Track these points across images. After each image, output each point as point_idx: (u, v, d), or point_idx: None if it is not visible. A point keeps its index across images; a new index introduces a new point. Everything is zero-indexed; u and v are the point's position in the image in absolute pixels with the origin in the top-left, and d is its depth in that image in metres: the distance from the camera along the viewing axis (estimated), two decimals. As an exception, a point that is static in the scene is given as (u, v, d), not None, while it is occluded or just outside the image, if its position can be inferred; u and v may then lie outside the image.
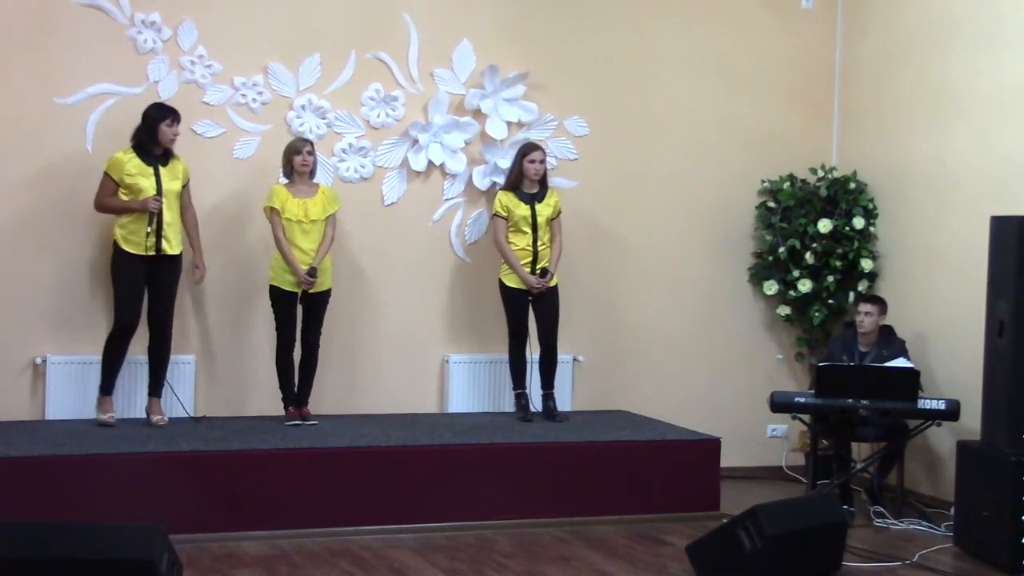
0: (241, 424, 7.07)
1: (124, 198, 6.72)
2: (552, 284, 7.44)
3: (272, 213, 7.00)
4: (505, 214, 7.40)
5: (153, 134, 6.72)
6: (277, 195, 7.01)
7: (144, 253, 6.72)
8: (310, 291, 7.04)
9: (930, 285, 7.68)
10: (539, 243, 7.39)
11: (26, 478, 6.01)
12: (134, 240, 6.72)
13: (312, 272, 6.97)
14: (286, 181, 7.10)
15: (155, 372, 6.94)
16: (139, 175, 6.69)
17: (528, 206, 7.39)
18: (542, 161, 7.41)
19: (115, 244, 6.77)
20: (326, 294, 7.14)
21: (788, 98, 8.44)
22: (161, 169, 6.74)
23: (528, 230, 7.38)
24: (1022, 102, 7.03)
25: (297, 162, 7.01)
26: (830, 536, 5.86)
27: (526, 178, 7.41)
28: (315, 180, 7.18)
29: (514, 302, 7.44)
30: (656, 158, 8.19)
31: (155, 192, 6.69)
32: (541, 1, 7.93)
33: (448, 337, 7.81)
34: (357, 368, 7.60)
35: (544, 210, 7.41)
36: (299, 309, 7.11)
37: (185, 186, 6.88)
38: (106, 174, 6.72)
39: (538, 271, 7.37)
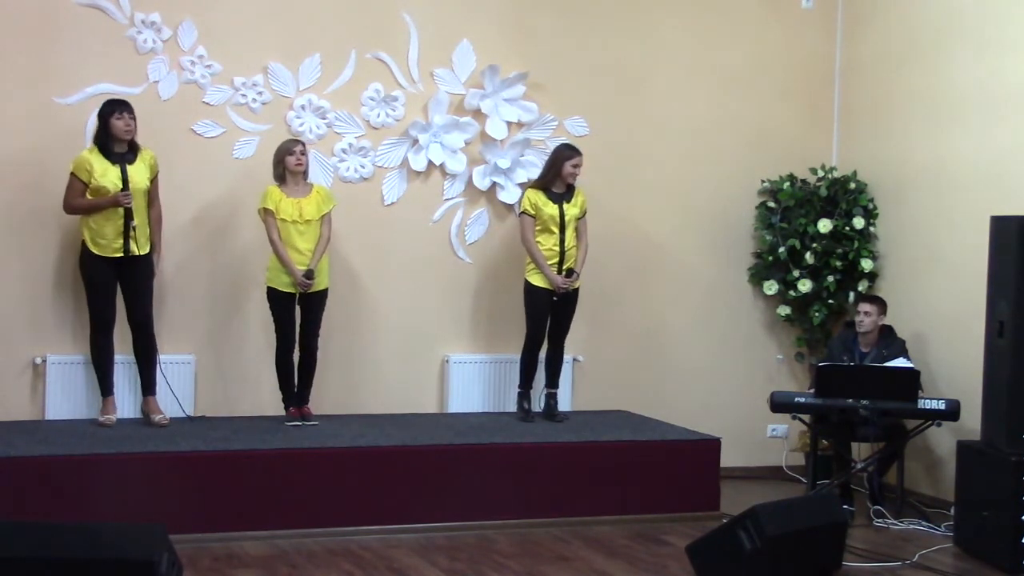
0: (241, 424, 7.07)
1: (90, 198, 6.69)
2: (576, 285, 7.44)
3: (266, 215, 6.98)
4: (533, 212, 7.37)
5: (106, 128, 6.69)
6: (271, 196, 6.99)
7: (111, 255, 6.71)
8: (307, 291, 7.04)
9: (930, 285, 7.68)
10: (566, 243, 7.38)
11: (26, 478, 6.01)
12: (101, 242, 6.70)
13: (309, 274, 6.97)
14: (274, 183, 7.08)
15: (145, 371, 6.93)
16: (104, 174, 6.64)
17: (556, 205, 7.38)
18: (580, 166, 7.42)
19: (82, 244, 6.75)
20: (323, 293, 7.13)
21: (788, 98, 8.44)
22: (128, 167, 6.71)
23: (555, 229, 7.36)
24: (1022, 102, 7.03)
25: (291, 162, 6.99)
26: (830, 536, 5.85)
27: (563, 180, 7.40)
28: (308, 179, 7.16)
29: (538, 302, 7.40)
30: (656, 158, 8.19)
31: (122, 188, 6.64)
32: (541, 1, 7.93)
33: (448, 337, 7.81)
34: (357, 368, 7.60)
35: (571, 210, 7.40)
36: (297, 309, 7.11)
37: (153, 180, 6.85)
38: (73, 174, 6.67)
39: (564, 271, 7.36)
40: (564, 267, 7.36)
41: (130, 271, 6.79)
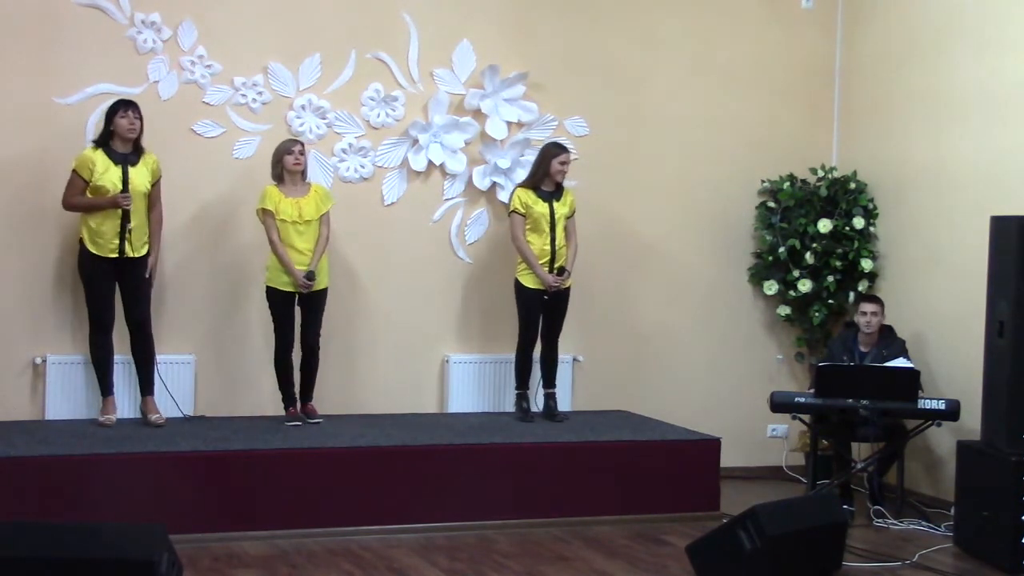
0: (241, 424, 7.07)
1: (90, 197, 6.69)
2: (567, 285, 7.44)
3: (265, 215, 6.98)
4: (524, 211, 7.38)
5: (110, 126, 6.70)
6: (270, 196, 6.99)
7: (108, 255, 6.71)
8: (308, 292, 7.04)
9: (930, 285, 7.68)
10: (556, 242, 7.38)
11: (26, 478, 6.01)
12: (99, 241, 6.71)
13: (310, 275, 6.97)
14: (272, 183, 7.09)
15: (143, 371, 6.93)
16: (105, 173, 6.65)
17: (547, 204, 7.38)
18: (568, 163, 7.42)
19: (80, 244, 6.76)
20: (323, 293, 7.13)
21: (788, 98, 8.44)
22: (130, 168, 6.72)
23: (546, 228, 7.36)
24: (1022, 102, 7.03)
25: (289, 162, 6.99)
26: (830, 536, 5.85)
27: (551, 178, 7.40)
28: (307, 179, 7.17)
29: (529, 301, 7.40)
30: (656, 158, 8.19)
31: (122, 190, 6.66)
32: (541, 1, 7.93)
33: (448, 337, 7.81)
34: (357, 368, 7.60)
35: (561, 208, 7.40)
36: (297, 309, 7.11)
37: (155, 184, 6.85)
38: (75, 172, 6.69)
39: (555, 270, 7.36)
40: (556, 266, 7.36)
41: (128, 271, 6.79)
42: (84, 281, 6.82)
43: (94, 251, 6.71)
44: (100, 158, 6.69)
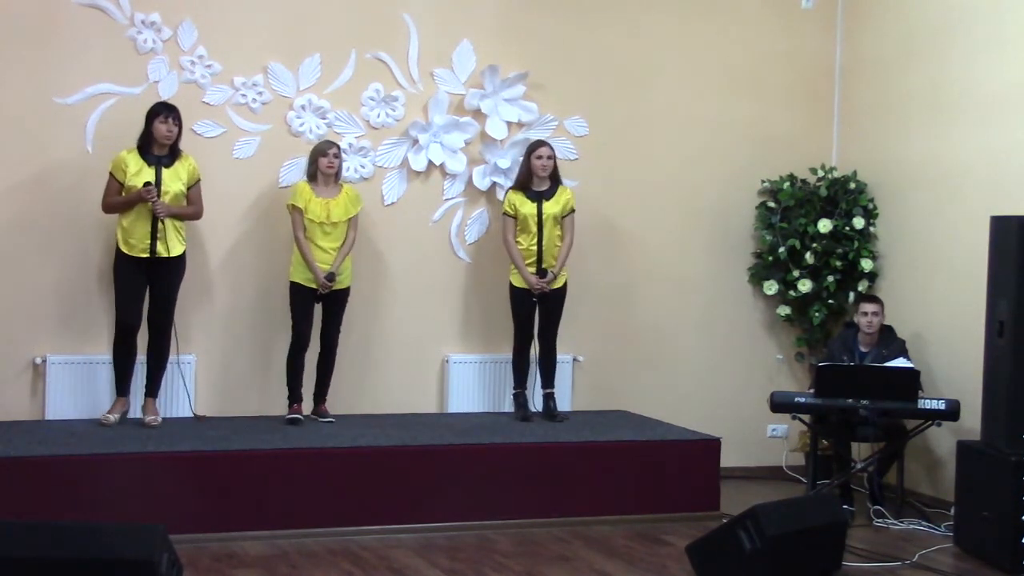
0: (241, 424, 7.07)
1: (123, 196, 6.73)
2: (558, 284, 7.44)
3: (294, 211, 7.04)
4: (513, 213, 7.39)
5: (148, 129, 6.72)
6: (301, 194, 7.04)
7: (139, 255, 6.72)
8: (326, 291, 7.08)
9: (930, 285, 7.68)
10: (544, 242, 7.38)
11: (26, 478, 6.01)
12: (131, 242, 6.72)
13: (330, 277, 7.00)
14: (305, 179, 7.15)
15: (151, 373, 6.94)
16: (137, 174, 6.68)
17: (534, 204, 7.38)
18: (550, 157, 7.41)
19: (116, 245, 6.78)
20: (345, 292, 7.18)
21: (788, 98, 8.44)
22: (164, 171, 6.74)
23: (534, 229, 7.37)
24: (1022, 102, 7.03)
25: (323, 164, 7.06)
26: (830, 536, 5.85)
27: (535, 175, 7.40)
28: (340, 181, 7.22)
29: (519, 302, 7.43)
30: (656, 158, 8.19)
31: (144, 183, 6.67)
32: (541, 1, 7.93)
33: (448, 337, 7.81)
34: (357, 368, 7.59)
35: (551, 208, 7.40)
36: (317, 307, 7.15)
37: (192, 187, 6.86)
38: (111, 174, 6.74)
39: (539, 272, 7.37)
40: (541, 267, 7.36)
41: (159, 272, 6.80)
42: (115, 282, 6.82)
43: (126, 252, 6.73)
44: (133, 159, 6.72)
